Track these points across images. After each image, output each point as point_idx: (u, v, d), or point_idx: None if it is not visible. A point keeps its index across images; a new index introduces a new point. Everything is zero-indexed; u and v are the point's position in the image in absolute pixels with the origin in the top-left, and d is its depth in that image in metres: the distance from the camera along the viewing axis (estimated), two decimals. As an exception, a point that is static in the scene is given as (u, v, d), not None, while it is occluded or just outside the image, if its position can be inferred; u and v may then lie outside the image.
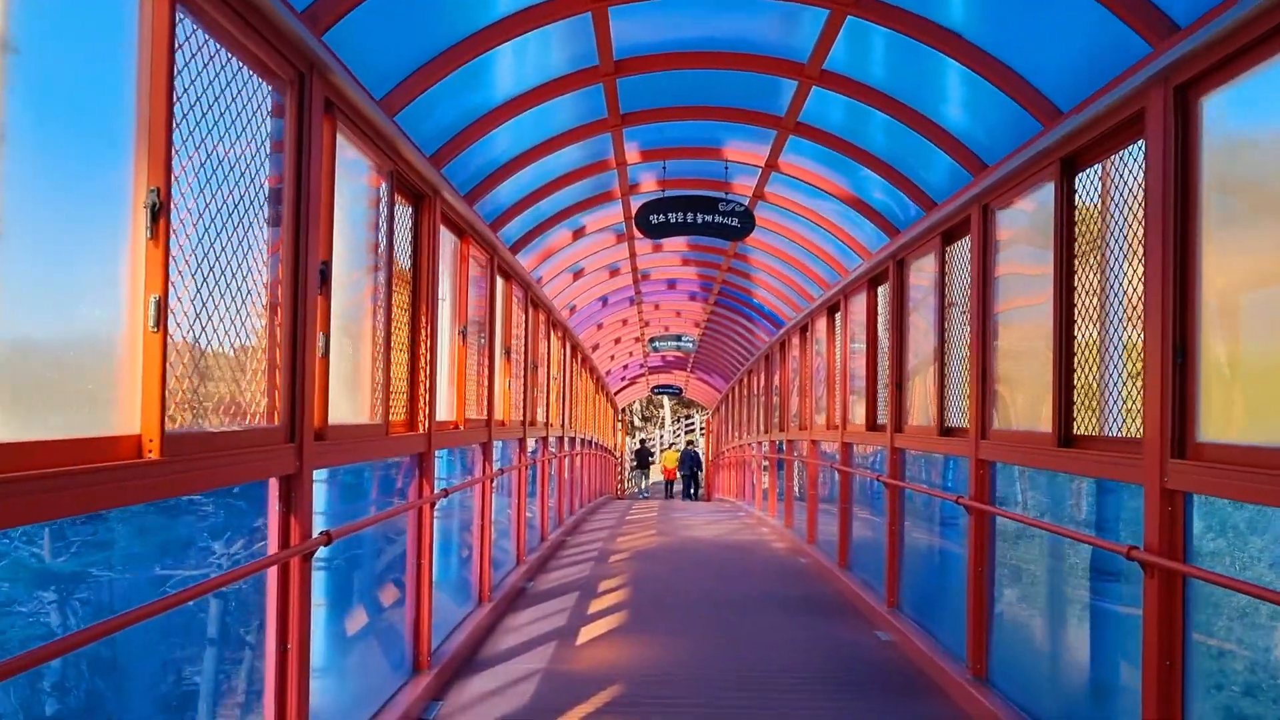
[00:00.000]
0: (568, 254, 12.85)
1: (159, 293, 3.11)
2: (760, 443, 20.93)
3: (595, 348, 22.63)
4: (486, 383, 9.16)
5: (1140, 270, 4.64)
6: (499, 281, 10.11)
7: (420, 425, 6.71)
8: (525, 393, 11.71)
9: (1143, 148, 4.66)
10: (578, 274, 14.20)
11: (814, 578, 11.90)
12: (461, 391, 8.12)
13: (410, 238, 6.63)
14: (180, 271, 3.41)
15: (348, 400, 5.39)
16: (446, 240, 7.83)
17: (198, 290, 3.55)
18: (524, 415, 11.63)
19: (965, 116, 6.80)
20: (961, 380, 7.40)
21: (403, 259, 6.43)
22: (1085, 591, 5.84)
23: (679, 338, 22.66)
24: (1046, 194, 5.71)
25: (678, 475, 33.60)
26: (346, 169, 5.30)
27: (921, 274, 8.75)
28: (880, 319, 10.23)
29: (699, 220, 9.39)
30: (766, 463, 20.02)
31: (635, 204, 10.87)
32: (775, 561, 13.43)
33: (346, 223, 5.38)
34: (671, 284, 17.52)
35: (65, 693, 5.28)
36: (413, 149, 6.04)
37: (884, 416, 9.95)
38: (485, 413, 9.14)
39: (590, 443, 24.06)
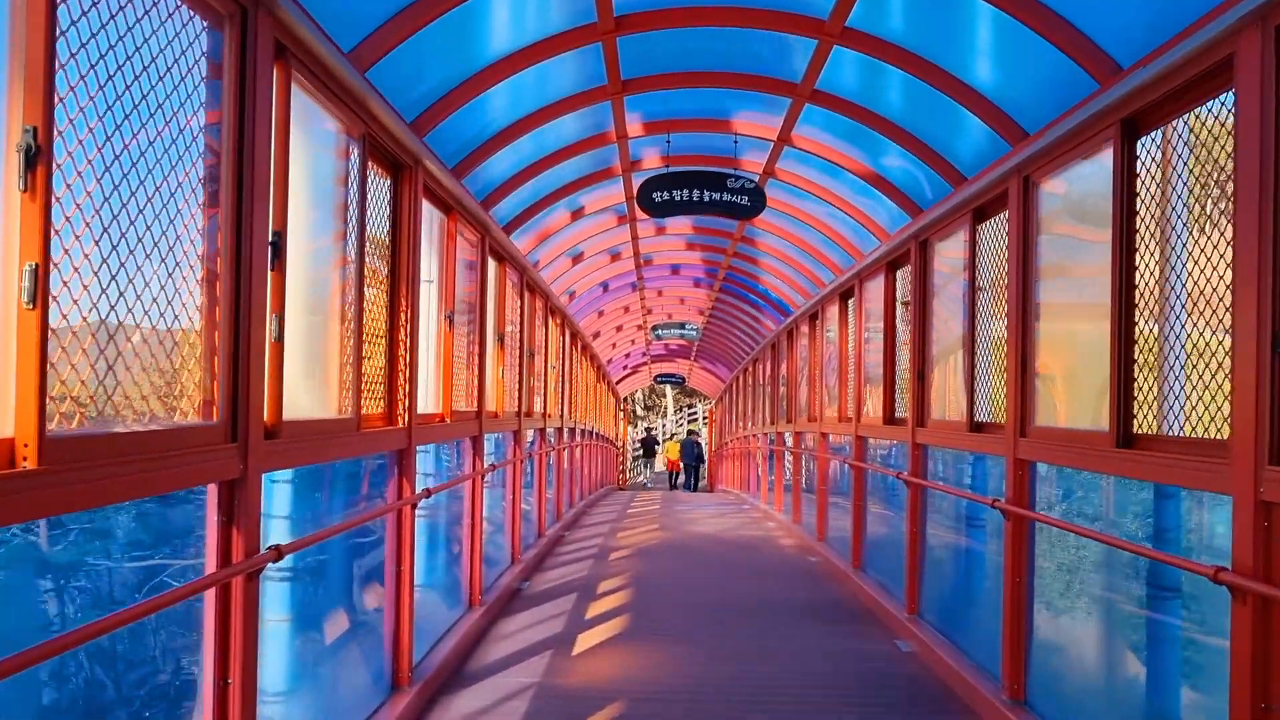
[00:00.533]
0: (566, 236, 12.20)
1: (36, 260, 2.47)
2: (766, 434, 20.30)
3: (596, 335, 22.00)
4: (477, 372, 8.52)
5: (1211, 249, 3.99)
6: (491, 264, 9.46)
7: (399, 419, 6.07)
8: (521, 382, 11.08)
9: (1226, 103, 4.01)
10: (577, 258, 13.55)
11: (826, 579, 11.27)
12: (448, 381, 7.48)
13: (389, 212, 5.98)
14: (79, 235, 2.77)
15: (311, 392, 4.75)
16: (431, 217, 7.19)
17: (104, 259, 2.91)
18: (519, 406, 11.00)
19: (1002, 77, 6.15)
20: (994, 371, 6.75)
21: (379, 235, 5.78)
22: (1142, 608, 5.21)
23: (682, 325, 22.02)
24: (1102, 163, 5.05)
25: (680, 466, 32.83)
26: (308, 129, 4.65)
27: (947, 256, 8.10)
28: (899, 305, 9.58)
29: (705, 198, 8.74)
30: (773, 455, 19.39)
31: (637, 182, 10.21)
32: (784, 560, 12.81)
33: (309, 191, 4.74)
34: (675, 269, 16.86)
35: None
36: (389, 112, 5.38)
37: (903, 409, 9.31)
38: (475, 404, 8.51)
39: (591, 433, 23.44)
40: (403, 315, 6.06)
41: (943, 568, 8.39)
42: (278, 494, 5.25)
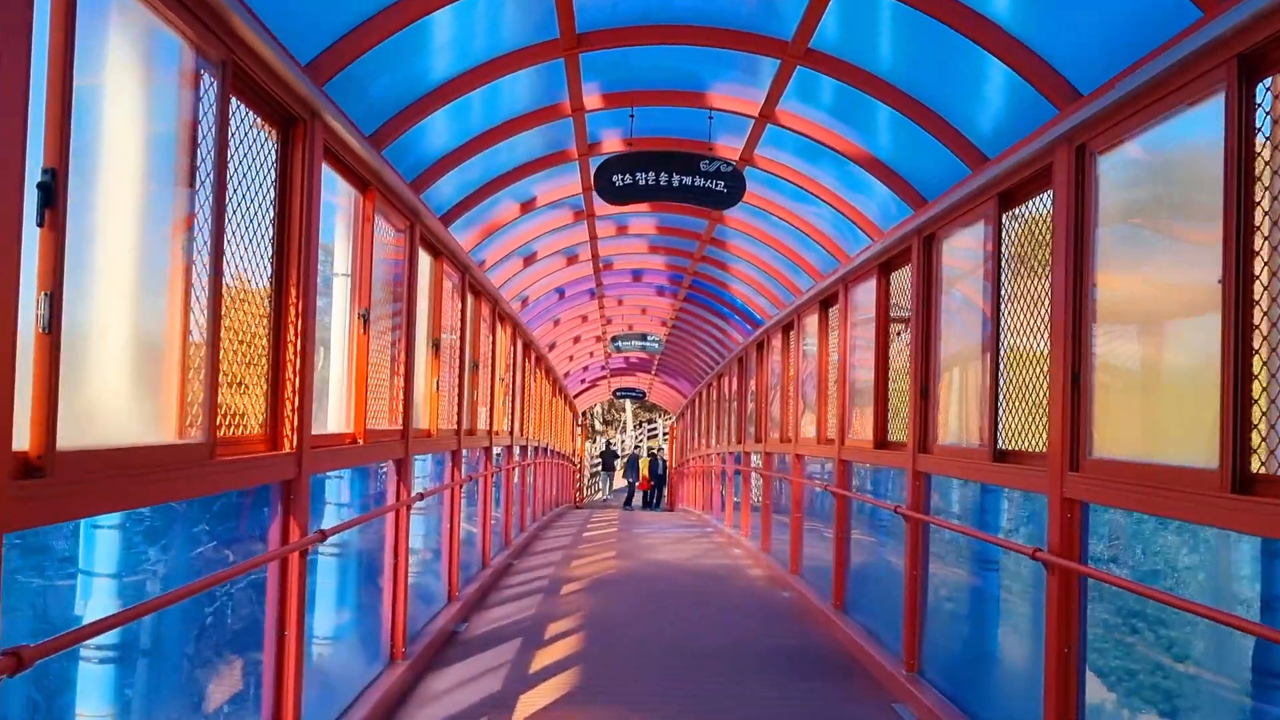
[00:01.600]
0: (516, 232, 10.91)
1: None
2: (732, 453, 19.06)
3: (552, 347, 20.68)
4: (403, 384, 7.20)
5: None
6: (424, 258, 8.16)
7: (286, 441, 4.75)
8: (461, 397, 9.75)
9: None
10: (529, 258, 12.25)
11: (804, 620, 10.01)
12: (361, 395, 6.15)
13: (274, 178, 4.68)
14: None
15: (130, 402, 3.43)
16: (338, 191, 5.88)
17: None
18: (459, 424, 9.67)
19: (1045, 22, 4.95)
20: (1029, 388, 5.54)
21: (257, 204, 4.47)
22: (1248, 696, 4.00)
23: (644, 337, 20.73)
24: (1206, 114, 3.85)
25: (637, 482, 31.39)
26: (131, 35, 3.34)
27: (959, 252, 6.90)
28: (895, 312, 8.37)
29: (675, 183, 7.47)
30: (739, 476, 18.16)
31: (596, 168, 8.97)
32: (755, 596, 11.54)
33: (136, 123, 3.43)
34: (637, 275, 15.60)
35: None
36: (265, 40, 4.08)
37: (898, 432, 8.09)
38: (400, 422, 7.19)
39: (546, 451, 22.09)
40: (292, 309, 4.75)
41: (950, 618, 7.16)
42: (103, 543, 3.93)
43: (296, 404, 4.76)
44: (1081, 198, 4.83)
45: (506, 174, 8.65)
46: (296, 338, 4.75)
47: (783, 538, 13.55)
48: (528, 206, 9.95)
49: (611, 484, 35.17)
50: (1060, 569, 4.81)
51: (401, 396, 7.13)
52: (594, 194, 9.68)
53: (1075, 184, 4.84)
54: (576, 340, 22.05)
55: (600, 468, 34.10)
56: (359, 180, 6.01)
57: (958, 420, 6.79)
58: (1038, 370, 5.39)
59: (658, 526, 21.25)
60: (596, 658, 8.10)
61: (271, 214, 4.67)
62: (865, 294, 9.36)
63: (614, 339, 20.66)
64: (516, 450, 15.90)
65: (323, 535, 4.97)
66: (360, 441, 6.12)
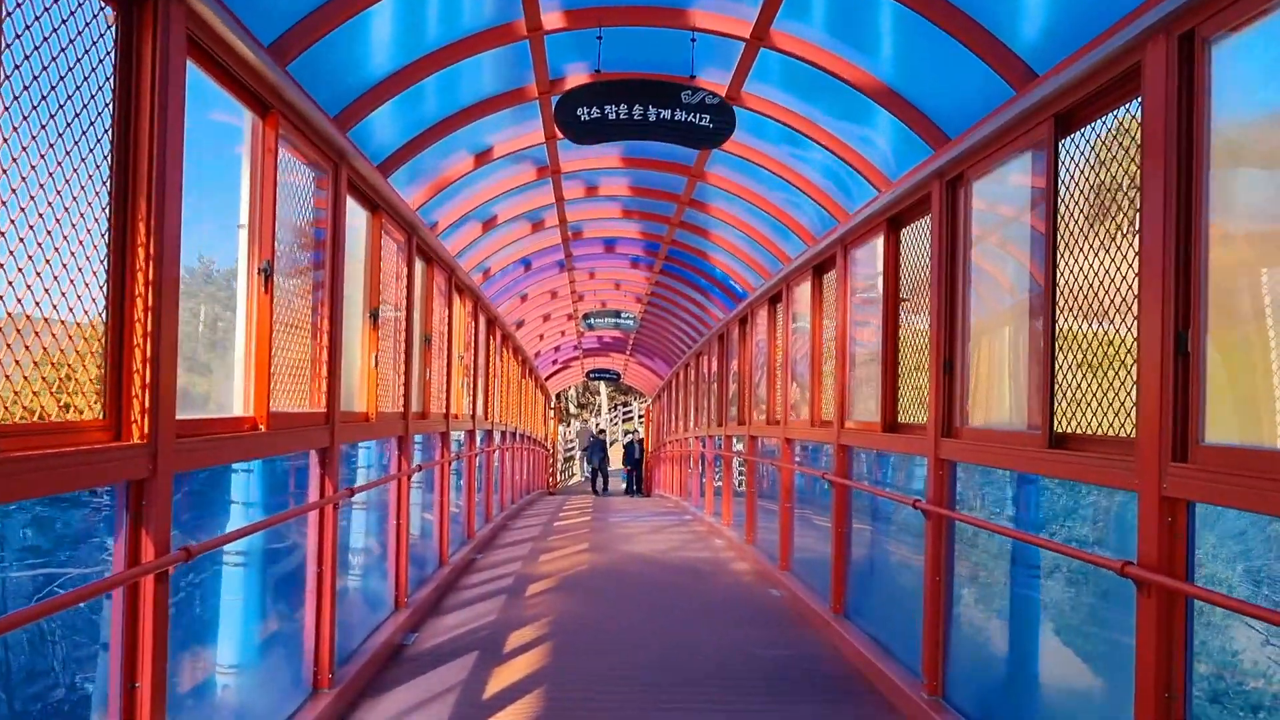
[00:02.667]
0: (473, 191, 9.69)
1: None
2: (712, 437, 17.93)
3: (520, 325, 19.45)
4: (327, 359, 6.00)
5: None
6: (357, 211, 6.96)
7: (133, 429, 3.56)
8: (409, 375, 8.54)
9: None
10: (489, 223, 11.03)
11: (798, 624, 8.89)
12: (263, 370, 4.95)
13: (111, 72, 3.47)
14: None
15: None
16: (221, 109, 4.67)
17: None
18: (407, 406, 8.47)
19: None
20: (1099, 357, 4.40)
21: (86, 113, 3.27)
22: None
23: (618, 314, 19.53)
24: None
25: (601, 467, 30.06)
26: None
27: (996, 196, 5.76)
28: (905, 274, 7.23)
29: (652, 116, 6.28)
30: (719, 461, 17.04)
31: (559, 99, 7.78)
32: (742, 595, 10.41)
33: None
34: (609, 245, 14.39)
35: None
36: None
37: (914, 414, 6.96)
38: (324, 403, 5.99)
39: (516, 435, 20.90)
40: (140, 251, 3.55)
41: (984, 633, 6.04)
42: None
43: (149, 379, 3.56)
44: (1188, 100, 3.67)
45: (455, 115, 7.44)
46: (148, 288, 3.55)
47: (769, 527, 12.44)
48: (483, 159, 8.73)
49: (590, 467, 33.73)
50: (1158, 589, 3.68)
51: (325, 374, 5.93)
52: (557, 143, 8.50)
53: (1180, 80, 3.68)
54: (546, 318, 20.83)
55: (588, 453, 32.22)
56: (254, 99, 4.78)
57: (1001, 399, 5.65)
58: (1112, 335, 4.26)
59: (634, 514, 20.10)
60: (563, 678, 6.95)
61: (109, 126, 3.46)
62: (869, 256, 8.22)
63: (586, 316, 19.45)
64: (480, 435, 14.71)
65: (187, 554, 3.76)
66: (262, 428, 4.91)
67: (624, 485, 29.77)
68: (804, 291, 10.34)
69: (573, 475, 44.10)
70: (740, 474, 15.01)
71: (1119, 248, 4.18)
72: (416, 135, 7.38)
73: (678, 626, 8.68)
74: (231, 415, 4.75)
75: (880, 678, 6.86)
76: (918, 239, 6.89)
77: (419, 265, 9.28)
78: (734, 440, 15.56)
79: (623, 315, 19.52)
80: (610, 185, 10.85)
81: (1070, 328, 4.64)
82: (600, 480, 29.38)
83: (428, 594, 9.23)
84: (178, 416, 3.83)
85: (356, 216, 6.95)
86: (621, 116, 6.24)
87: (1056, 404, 4.73)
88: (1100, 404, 4.36)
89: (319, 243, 5.87)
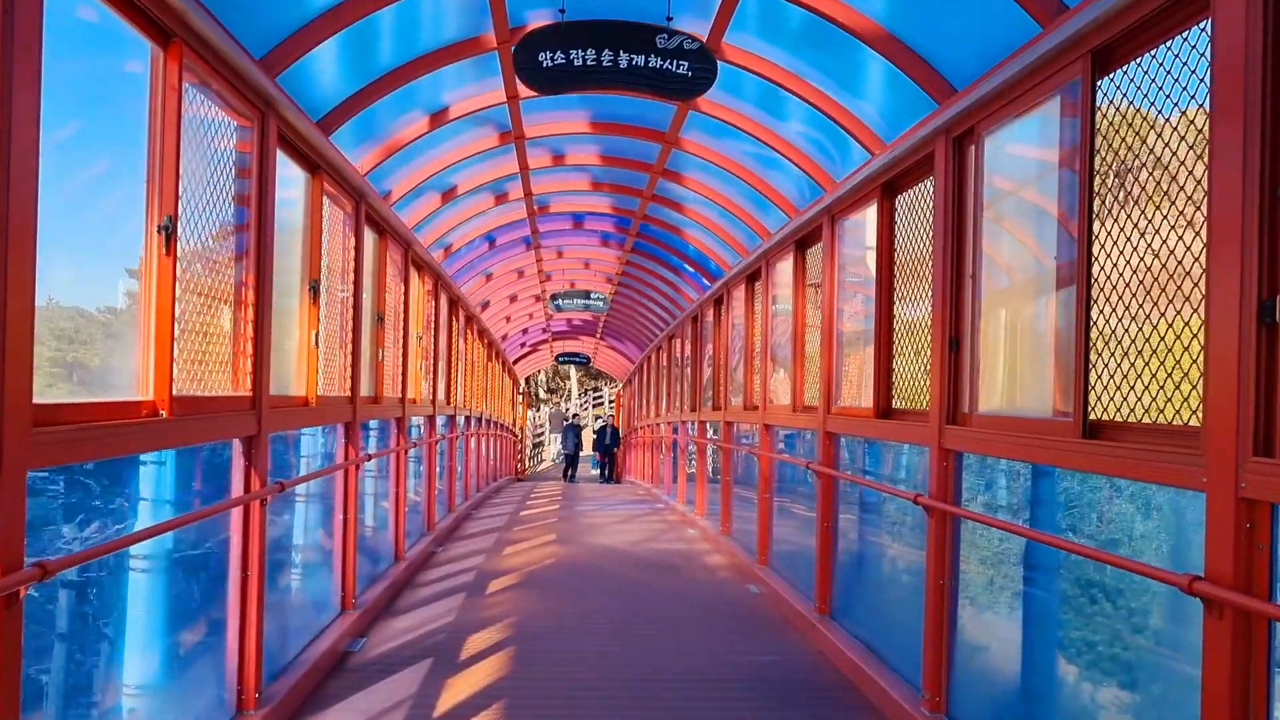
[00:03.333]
0: (428, 157, 8.95)
1: None
2: (685, 423, 17.27)
3: (485, 306, 18.70)
4: (251, 335, 5.26)
5: None
6: (293, 170, 6.23)
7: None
8: (357, 356, 7.80)
9: None
10: (448, 194, 10.29)
11: (780, 625, 8.25)
12: (164, 344, 4.22)
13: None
14: None
15: None
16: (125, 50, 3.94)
17: None
18: (355, 389, 7.74)
19: None
20: (1146, 332, 3.75)
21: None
22: None
23: (587, 295, 18.81)
24: None
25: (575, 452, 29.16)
26: None
27: (1011, 153, 5.11)
28: (902, 244, 6.57)
29: (622, 63, 5.58)
30: (693, 448, 16.40)
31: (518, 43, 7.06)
32: (718, 592, 9.75)
33: None
34: (578, 220, 13.68)
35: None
36: None
37: (908, 398, 6.31)
38: (250, 385, 5.26)
39: (482, 421, 20.17)
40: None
41: (992, 644, 5.41)
42: None
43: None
44: (1275, 18, 3.02)
45: (405, 66, 6.70)
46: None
47: (746, 518, 11.82)
48: (440, 119, 7.99)
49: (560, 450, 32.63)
50: (1232, 608, 3.04)
51: (250, 351, 5.19)
52: (520, 103, 7.78)
53: (1266, -4, 3.03)
54: (513, 299, 20.08)
55: (563, 437, 31.12)
56: (149, 23, 4.04)
57: (1022, 381, 5.00)
58: (1167, 307, 3.61)
59: (604, 503, 19.43)
60: (521, 691, 6.27)
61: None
62: (857, 227, 7.57)
63: (554, 297, 18.73)
64: (441, 421, 13.98)
65: (42, 570, 3.02)
66: (164, 413, 4.18)
67: (595, 472, 28.99)
68: (786, 268, 9.68)
69: (541, 461, 43.39)
70: (715, 462, 14.37)
71: (1184, 203, 3.53)
72: (362, 87, 6.65)
73: (648, 629, 8.02)
74: (123, 399, 4.01)
75: (873, 688, 6.23)
76: (917, 204, 6.23)
77: (370, 237, 8.55)
78: (707, 426, 14.91)
79: (592, 296, 18.81)
80: (578, 153, 10.14)
81: (1104, 301, 3.99)
82: (573, 468, 28.64)
83: (379, 593, 8.52)
84: (39, 400, 3.12)
85: (294, 179, 6.21)
86: (589, 62, 5.54)
87: (1091, 388, 4.08)
88: (1148, 388, 3.71)
89: (241, 199, 5.13)
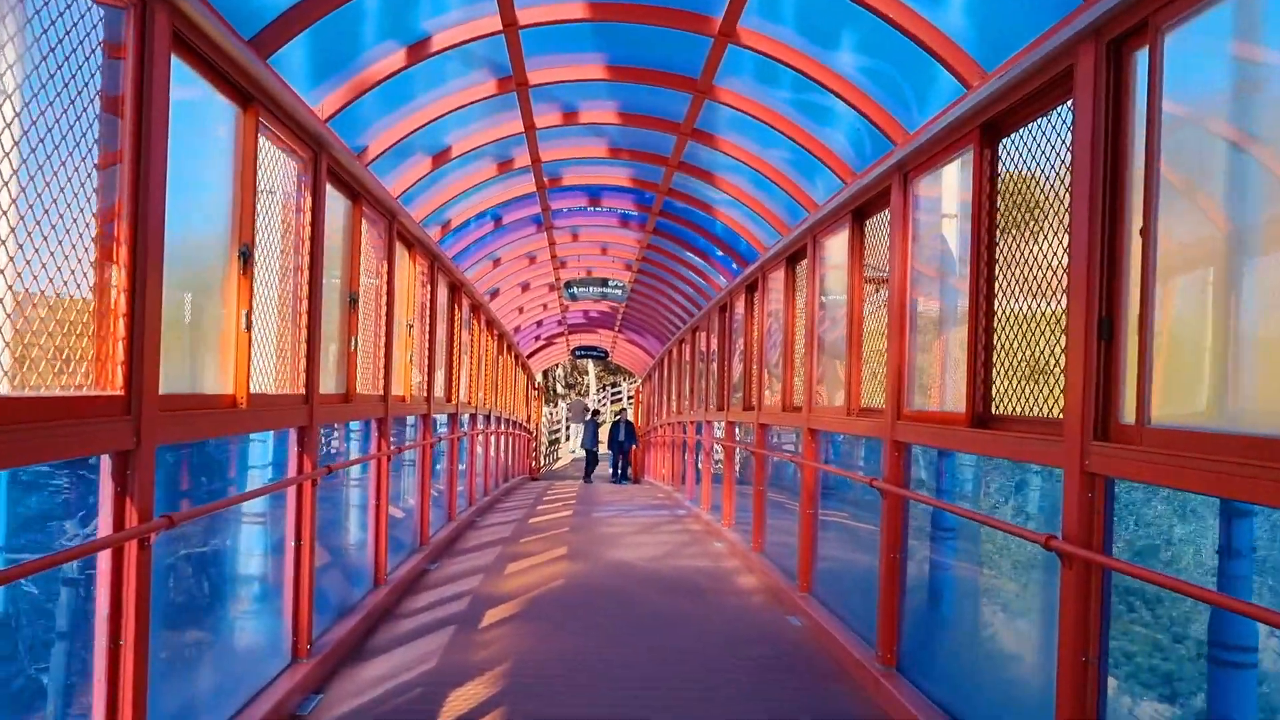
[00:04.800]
0: (412, 106, 7.47)
1: None
2: (711, 422, 15.77)
3: (495, 295, 17.23)
4: (126, 307, 3.78)
5: None
6: (215, 101, 4.75)
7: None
8: (313, 345, 6.30)
9: None
10: (440, 156, 8.79)
11: (833, 679, 6.72)
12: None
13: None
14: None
15: None
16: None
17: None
18: (310, 386, 6.25)
19: None
20: None
21: None
22: None
23: (604, 283, 17.31)
24: None
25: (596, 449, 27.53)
26: None
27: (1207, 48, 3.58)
28: (1004, 198, 5.03)
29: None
30: (720, 451, 14.89)
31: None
32: (752, 625, 8.24)
33: None
34: (594, 196, 12.19)
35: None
36: None
37: (1024, 399, 4.77)
38: (121, 382, 3.77)
39: (491, 418, 18.70)
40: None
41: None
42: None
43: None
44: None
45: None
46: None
47: (781, 528, 10.35)
48: (419, 52, 6.48)
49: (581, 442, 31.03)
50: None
51: (123, 333, 3.70)
52: (519, 32, 6.28)
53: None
54: (525, 288, 18.59)
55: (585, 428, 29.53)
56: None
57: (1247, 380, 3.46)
58: None
59: (621, 507, 17.93)
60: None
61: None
62: (936, 184, 6.07)
63: (569, 285, 17.24)
64: (441, 420, 12.52)
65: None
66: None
67: (610, 470, 27.40)
68: (838, 244, 8.16)
69: (558, 458, 41.91)
70: (745, 466, 12.88)
71: None
72: (308, -6, 5.15)
73: (670, 677, 6.52)
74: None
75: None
76: (1035, 146, 4.71)
77: (340, 202, 7.08)
78: (735, 427, 13.41)
79: (610, 284, 17.33)
80: (594, 109, 8.63)
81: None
82: (591, 467, 27.13)
83: (348, 631, 7.05)
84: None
85: (208, 105, 4.72)
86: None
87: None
88: None
89: (107, 119, 3.65)
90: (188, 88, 4.33)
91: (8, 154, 3.09)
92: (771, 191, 9.34)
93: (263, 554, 6.06)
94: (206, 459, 5.53)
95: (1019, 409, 4.75)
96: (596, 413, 31.35)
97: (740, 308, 12.87)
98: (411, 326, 9.96)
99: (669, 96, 7.95)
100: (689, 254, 14.03)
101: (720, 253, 12.78)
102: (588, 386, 55.67)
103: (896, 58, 5.82)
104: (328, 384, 6.71)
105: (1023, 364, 4.72)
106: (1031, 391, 4.62)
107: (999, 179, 5.09)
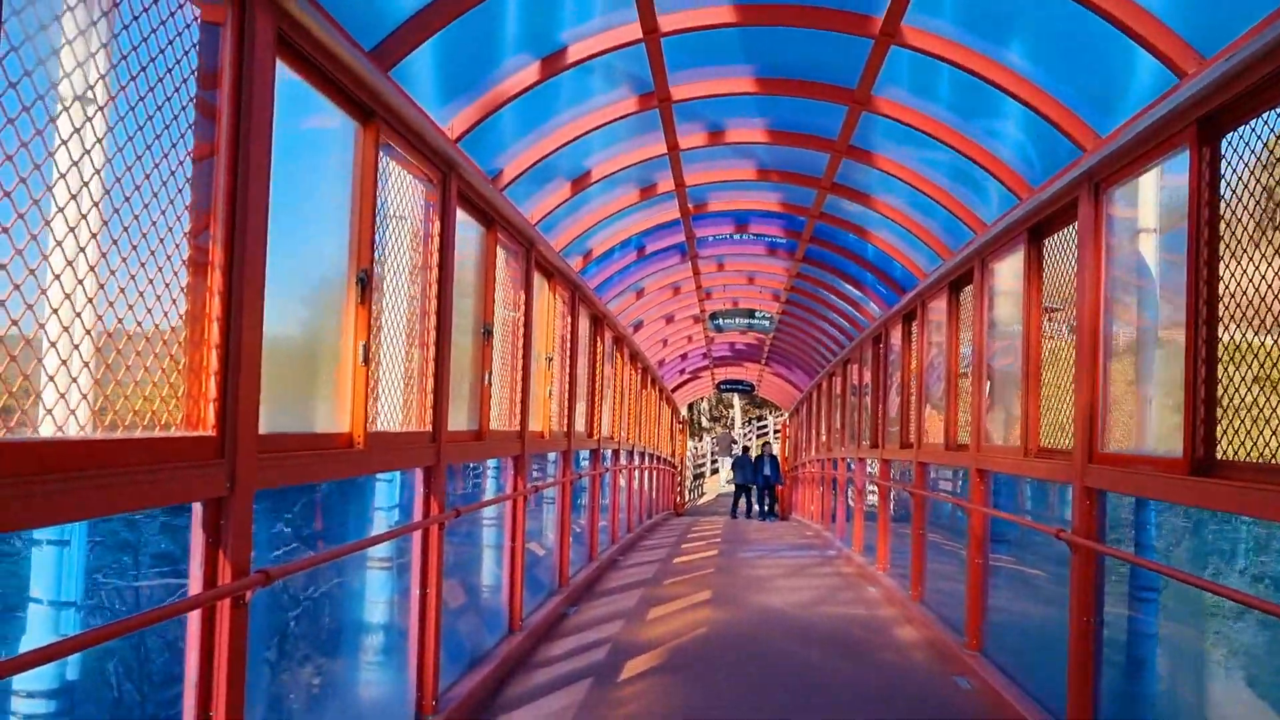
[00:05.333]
0: (547, 125, 7.07)
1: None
2: (863, 460, 14.96)
3: (638, 328, 16.81)
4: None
5: None
6: (326, 111, 4.38)
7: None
8: (440, 380, 5.88)
9: None
10: (579, 180, 8.38)
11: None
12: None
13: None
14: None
15: None
16: None
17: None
18: (436, 421, 5.83)
19: None
20: None
21: None
22: None
23: (751, 314, 16.72)
24: None
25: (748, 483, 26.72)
26: None
27: None
28: (1233, 201, 4.28)
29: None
30: (873, 489, 14.09)
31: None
32: (916, 687, 7.49)
33: None
34: (741, 223, 11.65)
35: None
36: None
37: (1250, 439, 3.99)
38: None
39: (635, 454, 18.26)
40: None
41: None
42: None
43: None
44: None
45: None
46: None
47: (941, 572, 9.56)
48: (555, 64, 6.05)
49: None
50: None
51: (215, 366, 3.30)
52: (661, 40, 5.80)
53: None
54: (669, 320, 18.13)
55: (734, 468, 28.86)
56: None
57: None
58: None
59: (769, 548, 17.21)
60: None
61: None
62: (1132, 195, 5.32)
63: (713, 316, 16.71)
64: (582, 456, 12.11)
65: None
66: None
67: (756, 506, 26.63)
68: (1008, 267, 7.44)
69: (703, 494, 41.28)
70: (900, 504, 12.08)
71: None
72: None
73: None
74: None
75: None
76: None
77: (473, 228, 6.71)
78: (891, 465, 12.61)
79: (757, 315, 16.73)
80: (741, 127, 8.10)
81: None
82: (745, 502, 26.38)
83: (478, 683, 6.59)
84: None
85: (317, 112, 4.35)
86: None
87: None
88: None
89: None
90: (299, 100, 3.96)
91: (98, 171, 2.74)
92: (931, 211, 8.64)
93: (387, 601, 5.66)
94: (328, 496, 5.20)
95: (1255, 454, 3.97)
96: (746, 448, 30.56)
97: (896, 338, 12.11)
98: (551, 360, 9.56)
99: (821, 110, 7.36)
100: (840, 282, 13.34)
101: (873, 278, 12.06)
102: (733, 420, 54.98)
103: (1082, 47, 5.13)
104: (458, 420, 6.30)
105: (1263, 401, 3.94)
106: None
107: (1220, 181, 4.33)
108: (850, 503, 16.24)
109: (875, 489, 13.60)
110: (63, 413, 2.64)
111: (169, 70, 3.10)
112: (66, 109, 2.65)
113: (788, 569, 14.18)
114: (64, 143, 2.63)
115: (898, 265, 10.76)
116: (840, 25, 5.79)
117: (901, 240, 9.97)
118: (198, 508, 3.29)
